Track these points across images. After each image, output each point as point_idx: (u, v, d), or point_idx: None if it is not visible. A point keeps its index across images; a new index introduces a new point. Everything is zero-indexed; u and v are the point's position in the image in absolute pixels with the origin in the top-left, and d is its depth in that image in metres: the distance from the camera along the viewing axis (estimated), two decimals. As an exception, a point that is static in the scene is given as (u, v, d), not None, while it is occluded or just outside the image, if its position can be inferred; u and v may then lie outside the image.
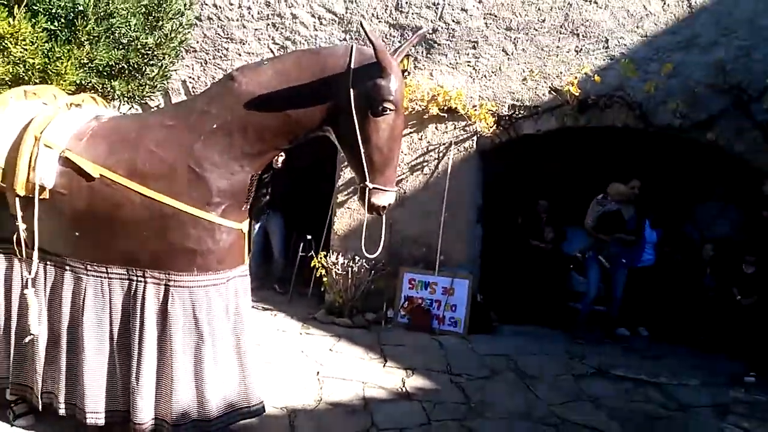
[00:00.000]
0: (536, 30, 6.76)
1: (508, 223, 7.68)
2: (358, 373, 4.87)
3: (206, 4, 7.26)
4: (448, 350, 5.73)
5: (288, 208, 7.67)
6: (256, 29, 7.29)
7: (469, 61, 6.94)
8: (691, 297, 6.58)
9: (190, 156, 3.00)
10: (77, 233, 3.06)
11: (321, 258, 6.66)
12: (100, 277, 3.07)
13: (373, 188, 2.98)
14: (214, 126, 3.02)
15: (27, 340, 3.18)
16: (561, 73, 6.69)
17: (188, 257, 3.02)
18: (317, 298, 7.02)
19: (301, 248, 7.24)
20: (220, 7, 7.29)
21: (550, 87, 6.70)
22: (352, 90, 2.88)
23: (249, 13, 7.28)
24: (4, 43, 4.35)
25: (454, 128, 6.92)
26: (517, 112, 6.80)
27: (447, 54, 6.98)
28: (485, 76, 6.92)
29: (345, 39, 7.07)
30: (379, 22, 7.05)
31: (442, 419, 4.10)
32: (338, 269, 6.49)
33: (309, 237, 7.19)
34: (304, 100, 2.99)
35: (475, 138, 6.87)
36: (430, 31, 6.94)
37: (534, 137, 6.88)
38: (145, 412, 3.02)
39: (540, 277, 7.09)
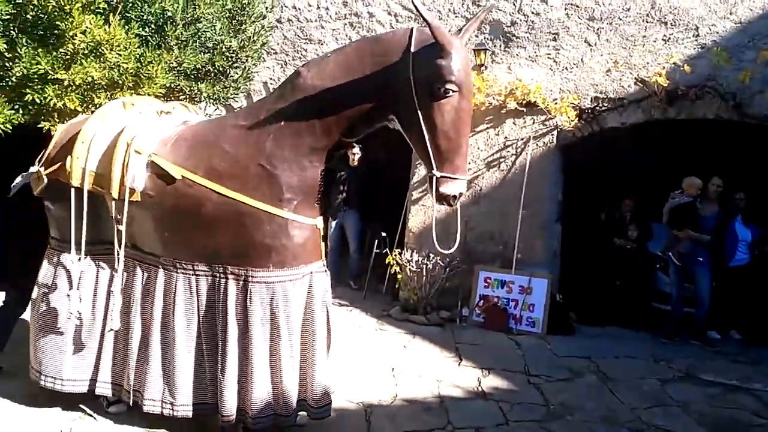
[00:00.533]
0: (621, 19, 6.50)
1: (590, 221, 7.41)
2: (433, 370, 4.85)
3: (286, 6, 7.44)
4: (525, 351, 5.61)
5: (364, 206, 7.75)
6: (333, 29, 7.41)
7: (549, 54, 6.76)
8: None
9: (261, 154, 3.08)
10: (166, 233, 3.23)
11: (396, 255, 6.69)
12: (188, 274, 3.21)
13: (441, 177, 2.90)
14: (282, 123, 3.09)
15: (108, 331, 3.34)
16: (648, 63, 6.40)
17: (264, 253, 3.10)
18: (392, 295, 7.06)
19: (376, 245, 7.30)
20: (299, 9, 7.46)
21: (636, 78, 6.42)
22: (412, 73, 2.83)
23: (327, 13, 7.41)
24: (100, 50, 4.62)
25: (533, 123, 6.76)
26: (600, 105, 6.57)
27: (526, 47, 6.83)
28: (566, 68, 6.72)
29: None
30: (456, 17, 6.99)
31: (519, 420, 4.01)
32: (413, 266, 6.49)
33: (384, 234, 7.24)
34: (365, 87, 2.98)
35: (555, 132, 6.69)
36: (509, 24, 6.81)
37: (619, 131, 6.61)
38: (230, 404, 3.13)
39: (623, 277, 6.81)
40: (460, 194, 3.00)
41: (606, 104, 6.56)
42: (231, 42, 5.88)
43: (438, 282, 6.45)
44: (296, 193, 3.13)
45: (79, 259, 3.38)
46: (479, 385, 4.63)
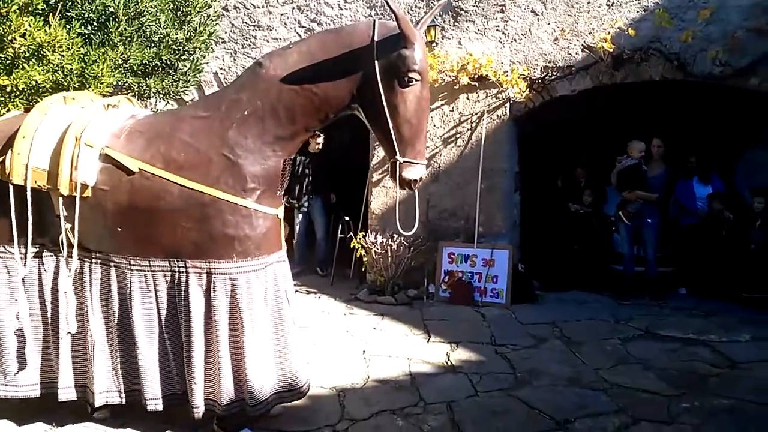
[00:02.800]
0: (566, -13, 6.58)
1: (547, 189, 7.59)
2: (403, 349, 4.95)
3: (231, -7, 7.32)
4: (491, 322, 5.76)
5: (328, 192, 7.77)
6: (281, 14, 7.32)
7: (498, 26, 6.82)
8: (740, 252, 6.39)
9: (224, 144, 3.08)
10: (119, 228, 3.17)
11: (360, 238, 6.74)
12: (144, 270, 3.18)
13: (404, 162, 3.03)
14: (246, 112, 3.09)
15: (62, 337, 3.27)
16: (593, 29, 6.50)
17: (227, 244, 3.11)
18: (359, 279, 7.14)
19: (340, 230, 7.34)
20: (245, -5, 7.34)
21: (582, 45, 6.53)
22: (377, 62, 2.93)
23: (273, -2, 7.31)
24: (42, 52, 4.51)
25: (486, 96, 6.84)
26: (550, 74, 6.67)
27: (474, 20, 6.87)
28: (515, 39, 6.79)
29: (370, 15, 7.02)
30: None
31: (488, 390, 4.13)
32: (377, 248, 6.56)
33: (347, 218, 7.29)
34: (330, 77, 3.04)
35: (508, 105, 6.79)
36: (456, -1, 6.83)
37: (568, 98, 6.74)
38: (198, 395, 3.16)
39: (581, 242, 7.02)
40: (421, 178, 3.12)
41: (555, 73, 6.66)
42: (177, 34, 5.79)
43: (403, 261, 6.54)
44: (259, 183, 3.15)
45: (24, 261, 3.31)
46: (448, 359, 4.75)
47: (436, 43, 6.89)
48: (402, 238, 6.44)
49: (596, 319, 5.77)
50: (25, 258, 3.29)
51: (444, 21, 6.93)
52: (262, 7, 7.34)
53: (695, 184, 6.88)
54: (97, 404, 3.36)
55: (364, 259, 6.79)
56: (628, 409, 3.76)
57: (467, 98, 6.90)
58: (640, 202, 6.49)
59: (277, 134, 3.12)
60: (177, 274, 3.16)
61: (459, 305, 6.29)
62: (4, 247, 3.30)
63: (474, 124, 6.87)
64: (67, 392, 3.37)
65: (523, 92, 6.58)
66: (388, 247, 6.51)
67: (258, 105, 3.09)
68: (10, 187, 3.18)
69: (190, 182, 3.06)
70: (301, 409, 3.72)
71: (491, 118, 6.82)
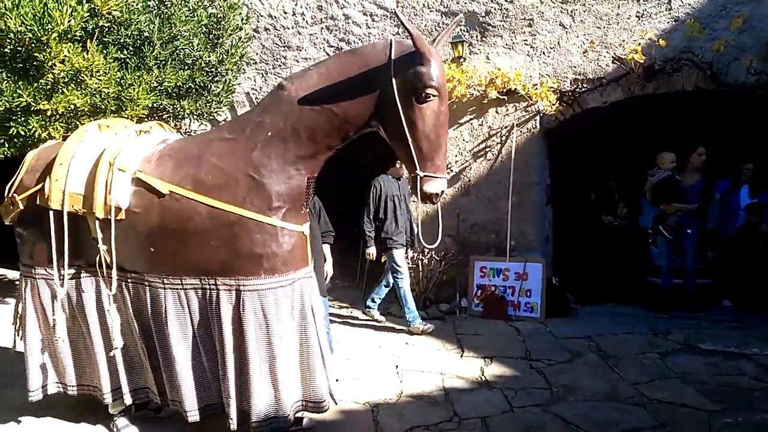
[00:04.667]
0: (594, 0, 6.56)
1: (580, 202, 7.51)
2: (436, 364, 4.93)
3: (262, 16, 7.48)
4: (525, 336, 5.70)
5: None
6: (311, 34, 7.45)
7: (526, 40, 6.82)
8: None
9: (249, 165, 3.16)
10: (152, 248, 3.26)
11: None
12: (177, 288, 3.26)
13: (424, 176, 3.06)
14: (269, 134, 3.17)
15: (111, 354, 3.43)
16: (623, 41, 6.47)
17: (255, 261, 3.17)
18: (391, 293, 7.13)
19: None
20: (275, 17, 7.49)
21: (613, 56, 6.49)
22: (394, 80, 2.98)
23: (303, 19, 7.45)
24: (80, 77, 4.66)
25: (516, 110, 6.83)
26: (580, 86, 6.64)
27: (502, 35, 6.89)
28: (543, 53, 6.78)
29: (398, 34, 7.10)
30: (431, 11, 7.04)
31: (524, 406, 4.09)
32: (408, 263, 6.55)
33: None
34: (349, 96, 3.11)
35: (537, 118, 6.77)
36: (483, 14, 6.86)
37: (600, 110, 6.69)
38: (233, 407, 3.22)
39: (615, 254, 6.91)
40: (442, 192, 3.14)
41: (585, 85, 6.63)
42: (210, 57, 5.92)
43: (435, 276, 6.53)
44: (284, 201, 3.20)
45: (62, 284, 3.42)
46: (482, 374, 4.70)
47: (464, 59, 6.92)
48: (433, 252, 6.43)
49: (633, 333, 5.66)
50: (63, 279, 3.41)
51: (471, 36, 6.96)
52: (292, 28, 7.48)
53: (742, 194, 6.71)
54: (160, 403, 3.51)
55: (396, 273, 6.78)
56: (668, 424, 3.68)
57: (496, 112, 6.90)
58: (679, 214, 6.35)
59: (300, 154, 3.19)
60: (208, 291, 3.22)
61: (492, 319, 6.24)
62: (45, 269, 3.43)
63: (504, 138, 6.85)
64: (127, 397, 3.53)
65: (553, 105, 6.56)
66: (420, 261, 6.50)
67: (280, 126, 3.17)
68: (50, 212, 3.31)
69: (218, 202, 3.13)
70: (335, 425, 3.74)
71: (521, 132, 6.80)
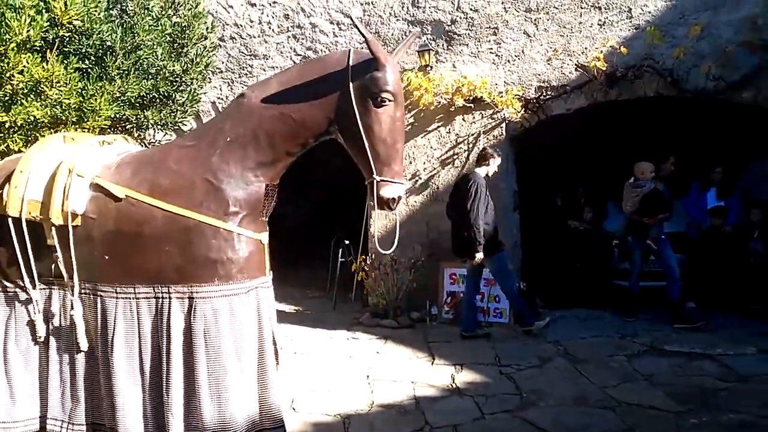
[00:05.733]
0: (557, 8, 6.68)
1: (546, 207, 7.60)
2: (407, 373, 4.92)
3: (228, 24, 7.42)
4: (495, 342, 5.73)
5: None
6: (277, 43, 7.41)
7: (491, 48, 6.90)
8: (740, 263, 6.37)
9: (207, 169, 3.13)
10: (107, 256, 3.18)
11: (360, 261, 6.73)
12: (129, 298, 3.18)
13: (381, 181, 3.04)
14: (229, 140, 3.16)
15: (79, 354, 3.29)
16: (586, 48, 6.59)
17: (210, 268, 3.11)
18: (361, 302, 7.11)
19: (340, 254, 7.33)
20: (241, 26, 7.44)
21: (576, 64, 6.61)
22: (351, 85, 2.99)
23: (269, 27, 7.41)
24: (40, 88, 4.56)
25: (482, 117, 6.90)
26: (544, 94, 6.75)
27: (468, 44, 6.96)
28: (508, 61, 6.87)
29: (365, 42, 7.10)
30: (397, 20, 7.07)
31: (494, 412, 4.10)
32: (378, 271, 6.55)
33: (347, 242, 7.28)
34: (307, 102, 3.11)
35: (504, 125, 6.84)
36: (449, 23, 6.92)
37: (565, 117, 6.79)
38: (177, 426, 3.11)
39: (582, 259, 7.00)
40: (400, 197, 3.14)
41: (550, 92, 6.73)
42: (174, 66, 5.84)
43: (405, 284, 6.53)
44: (242, 207, 3.17)
45: (27, 292, 3.31)
46: (453, 381, 4.71)
47: (431, 67, 6.97)
48: (404, 260, 6.43)
49: (601, 336, 5.74)
50: (19, 291, 3.30)
51: (438, 45, 7.01)
52: (258, 36, 7.44)
53: (710, 197, 6.84)
54: None
55: (366, 282, 6.77)
56: (636, 427, 3.73)
57: (463, 120, 6.95)
58: (659, 224, 6.34)
59: (259, 160, 3.18)
60: (160, 300, 3.15)
61: (462, 326, 6.25)
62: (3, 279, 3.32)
63: (471, 145, 6.91)
64: (53, 424, 3.36)
65: (519, 112, 6.65)
66: (389, 270, 6.50)
67: (240, 132, 3.15)
68: (9, 221, 3.21)
69: (174, 207, 3.09)
70: (306, 438, 3.70)
71: (488, 139, 6.86)
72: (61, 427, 3.38)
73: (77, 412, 3.34)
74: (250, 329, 3.21)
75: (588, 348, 5.39)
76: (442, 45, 7.02)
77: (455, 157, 6.97)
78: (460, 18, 6.91)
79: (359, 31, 2.95)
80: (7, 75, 4.34)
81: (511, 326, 6.20)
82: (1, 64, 4.27)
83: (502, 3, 6.82)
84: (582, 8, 6.62)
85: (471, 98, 6.76)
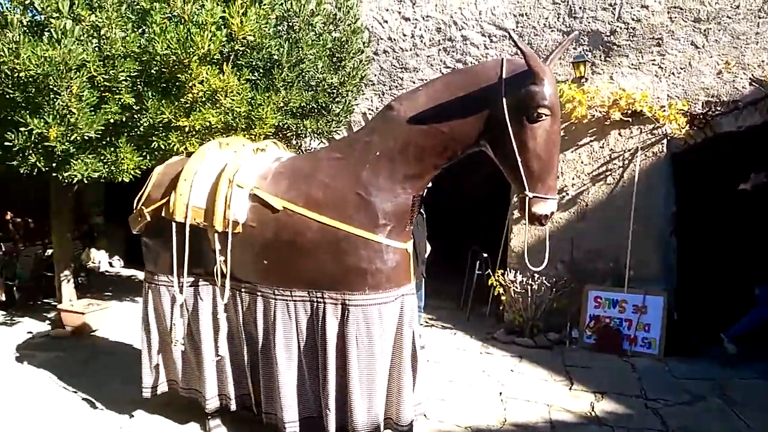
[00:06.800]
0: (729, 17, 6.14)
1: (709, 232, 6.96)
2: (542, 395, 4.77)
3: (382, 39, 7.71)
4: (641, 373, 5.36)
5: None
6: (428, 56, 7.56)
7: (654, 60, 6.50)
8: None
9: (358, 183, 3.26)
10: (265, 261, 3.46)
11: (498, 276, 6.63)
12: (286, 300, 3.43)
13: (534, 197, 3.00)
14: (377, 153, 3.26)
15: (215, 359, 3.65)
16: (763, 61, 5.98)
17: (360, 277, 3.26)
18: (495, 317, 6.99)
19: (477, 266, 7.27)
20: (395, 40, 7.69)
21: (750, 78, 6.02)
22: (505, 99, 2.96)
23: (421, 41, 7.58)
24: (216, 97, 5.05)
25: (640, 132, 6.51)
26: (713, 109, 6.21)
27: (628, 55, 6.62)
28: (673, 73, 6.43)
29: (516, 54, 7.03)
30: (552, 31, 6.92)
31: (636, 446, 3.87)
32: (517, 287, 6.41)
33: (485, 255, 7.21)
34: (457, 115, 3.12)
35: (665, 141, 6.41)
36: (608, 33, 6.64)
37: (734, 135, 6.21)
38: (332, 421, 3.31)
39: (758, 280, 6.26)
40: (552, 213, 3.06)
41: (719, 108, 6.19)
42: (332, 78, 6.20)
43: (544, 303, 6.32)
44: (390, 219, 3.28)
45: (182, 290, 3.70)
46: (592, 409, 4.50)
47: (586, 79, 6.72)
48: (544, 278, 6.25)
49: (766, 378, 5.15)
50: (182, 286, 3.70)
51: (594, 56, 6.75)
52: (410, 50, 7.65)
53: None
54: (256, 412, 3.68)
55: (502, 297, 6.66)
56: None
57: (619, 134, 6.61)
58: None
59: (407, 173, 3.25)
60: (315, 303, 3.36)
61: (605, 353, 5.93)
62: (167, 276, 3.74)
63: (626, 162, 6.55)
64: (214, 401, 3.73)
65: (683, 128, 6.19)
66: (528, 287, 6.34)
67: (389, 145, 3.24)
68: (173, 224, 3.61)
69: (328, 219, 3.26)
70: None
71: (645, 155, 6.46)
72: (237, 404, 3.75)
73: (245, 398, 3.70)
74: (395, 334, 3.35)
75: (749, 390, 4.87)
76: (599, 56, 6.74)
77: (608, 173, 6.64)
78: (621, 28, 6.59)
79: (515, 43, 2.90)
80: (189, 84, 4.85)
81: (659, 357, 5.77)
82: (185, 75, 4.79)
83: (668, 12, 6.40)
84: (760, 17, 6.02)
85: (629, 112, 6.41)
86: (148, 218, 3.79)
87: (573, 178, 6.80)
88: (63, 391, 4.68)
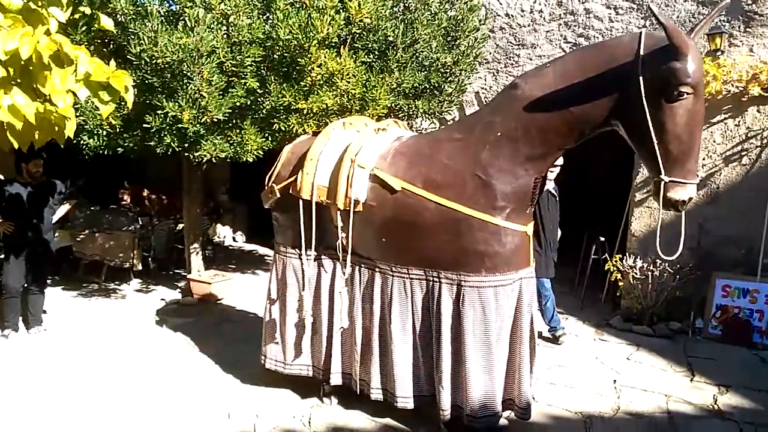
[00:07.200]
0: None
1: None
2: (660, 385, 4.56)
3: (499, 15, 7.54)
4: (776, 368, 4.97)
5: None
6: (547, 31, 7.31)
7: (802, 29, 5.88)
8: None
9: (477, 164, 3.24)
10: (384, 239, 3.56)
11: (616, 261, 6.35)
12: (403, 277, 3.51)
13: (670, 182, 2.85)
14: (499, 134, 3.21)
15: (337, 330, 3.79)
16: None
17: (477, 259, 3.27)
18: (611, 304, 6.72)
19: (593, 251, 6.99)
20: (512, 16, 7.50)
21: None
22: (642, 78, 2.79)
23: (540, 16, 7.34)
24: (333, 80, 5.22)
25: (784, 109, 5.94)
26: None
27: (771, 24, 6.02)
28: (824, 44, 5.78)
29: (644, 26, 6.62)
30: (685, 1, 6.43)
31: (764, 444, 3.62)
32: (636, 273, 6.10)
33: (602, 239, 6.92)
34: (588, 95, 2.98)
35: (810, 119, 5.80)
36: (749, 2, 6.08)
37: None
38: (446, 400, 3.37)
39: None
40: (690, 199, 2.89)
41: None
42: (446, 58, 6.17)
43: (666, 290, 5.98)
44: (509, 201, 3.24)
45: (309, 263, 3.88)
46: (715, 402, 4.24)
47: (722, 51, 6.20)
48: (666, 264, 5.91)
49: None
50: (309, 260, 3.89)
51: (732, 27, 6.20)
52: (528, 25, 7.43)
53: None
54: (358, 391, 3.80)
55: (620, 283, 6.37)
56: None
57: (758, 111, 6.07)
58: None
59: (530, 154, 3.18)
60: (431, 282, 3.42)
61: (732, 345, 5.54)
62: (295, 249, 3.94)
63: (765, 141, 6.01)
64: (336, 377, 3.87)
65: (832, 104, 5.57)
66: (649, 273, 6.02)
67: (511, 126, 3.17)
68: (301, 201, 3.79)
69: (446, 200, 3.28)
70: (546, 429, 3.71)
71: (787, 135, 5.90)
72: (343, 379, 3.89)
73: (353, 369, 3.84)
74: (512, 318, 3.35)
75: None
76: (738, 27, 6.18)
77: (743, 153, 6.13)
78: (763, -5, 6.01)
79: (654, 15, 2.72)
80: (309, 68, 5.05)
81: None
82: (305, 59, 4.98)
83: (822, -25, 5.75)
84: None
85: (770, 87, 5.87)
86: (278, 195, 3.98)
87: (704, 159, 6.34)
88: (191, 353, 5.13)
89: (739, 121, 6.18)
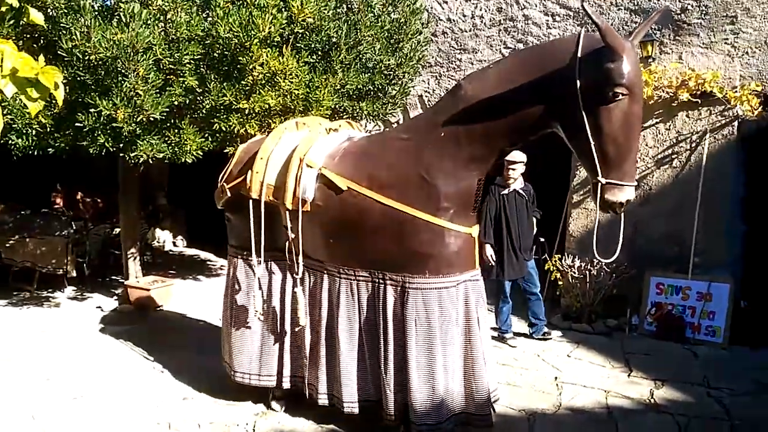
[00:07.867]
0: (812, -8, 5.77)
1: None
2: (599, 380, 4.69)
3: (441, 20, 7.63)
4: (704, 362, 5.19)
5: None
6: (488, 36, 7.44)
7: (727, 39, 6.19)
8: None
9: (421, 165, 3.23)
10: (331, 240, 3.51)
11: (555, 261, 6.51)
12: (350, 279, 3.47)
13: (607, 184, 2.84)
14: (442, 135, 3.20)
15: (297, 329, 3.70)
16: None
17: (421, 260, 3.25)
18: (551, 302, 6.88)
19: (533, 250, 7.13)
20: (454, 21, 7.60)
21: (833, 57, 5.65)
22: (578, 80, 2.79)
23: (481, 21, 7.46)
24: (275, 79, 5.13)
25: (710, 114, 6.23)
26: (791, 91, 5.88)
27: (699, 33, 6.32)
28: (746, 53, 6.11)
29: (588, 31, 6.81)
30: (619, 9, 6.67)
31: (698, 435, 3.76)
32: (575, 272, 6.27)
33: (542, 239, 7.07)
34: (528, 97, 2.98)
35: (735, 123, 6.11)
36: (678, 12, 6.35)
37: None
38: (391, 402, 3.33)
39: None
40: (628, 201, 2.91)
41: (797, 89, 5.85)
42: (389, 60, 6.17)
43: (603, 289, 6.17)
44: (453, 202, 3.23)
45: (259, 264, 3.79)
46: (652, 396, 4.39)
47: (653, 59, 6.46)
48: (603, 263, 6.10)
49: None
50: (260, 262, 3.79)
51: (663, 35, 6.47)
52: (469, 30, 7.54)
53: None
54: (308, 396, 3.73)
55: (559, 282, 6.54)
56: None
57: (687, 116, 6.34)
58: None
59: (473, 155, 3.18)
60: (377, 284, 3.38)
61: (666, 341, 5.75)
62: (246, 251, 3.84)
63: (694, 144, 6.29)
64: (287, 380, 3.80)
65: (755, 110, 5.88)
66: (587, 272, 6.20)
67: (455, 127, 3.16)
68: (250, 201, 3.69)
69: (390, 200, 3.25)
70: (491, 427, 3.72)
71: (714, 138, 6.18)
72: (299, 385, 3.79)
73: (297, 379, 3.75)
74: (457, 321, 3.31)
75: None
76: (668, 35, 6.46)
77: (674, 156, 6.40)
78: (692, 6, 6.29)
79: (590, 18, 2.71)
80: (250, 67, 4.94)
81: (724, 346, 5.55)
82: (246, 57, 4.88)
83: (744, -12, 6.07)
84: None
85: (698, 93, 6.13)
86: (229, 194, 3.88)
87: (637, 162, 6.57)
88: (129, 361, 4.92)
89: (669, 126, 6.45)
